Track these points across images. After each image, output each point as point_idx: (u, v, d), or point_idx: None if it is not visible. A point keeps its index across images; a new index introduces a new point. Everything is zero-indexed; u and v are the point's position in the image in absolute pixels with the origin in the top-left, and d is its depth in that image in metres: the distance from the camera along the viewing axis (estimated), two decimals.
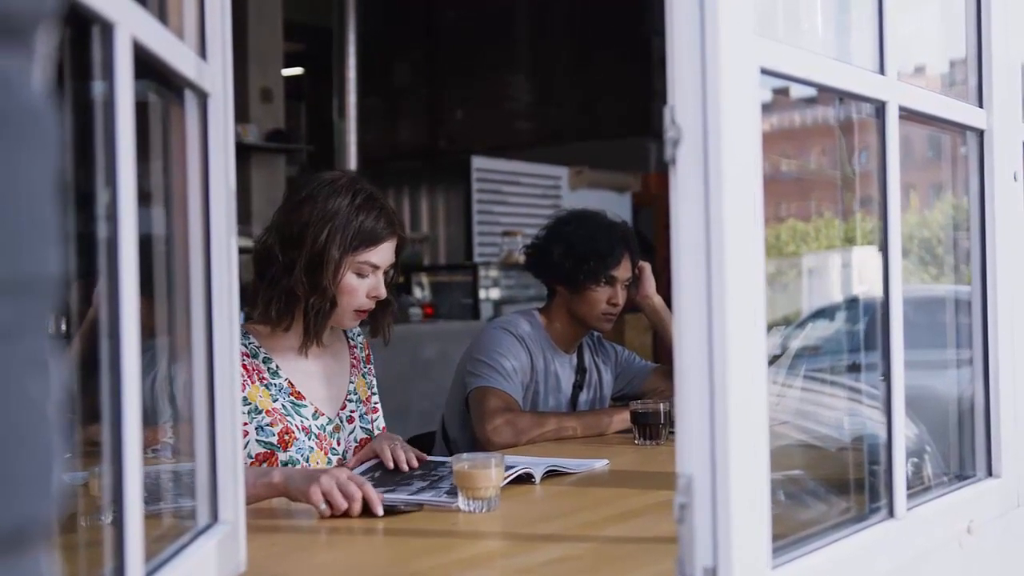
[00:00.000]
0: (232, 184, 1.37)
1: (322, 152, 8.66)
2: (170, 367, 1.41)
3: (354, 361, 2.38)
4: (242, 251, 1.67)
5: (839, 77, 1.43)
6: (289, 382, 2.22)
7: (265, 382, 2.19)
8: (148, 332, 1.02)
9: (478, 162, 8.00)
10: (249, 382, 2.16)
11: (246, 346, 2.19)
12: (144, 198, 1.04)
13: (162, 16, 1.19)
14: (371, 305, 2.23)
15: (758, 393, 1.17)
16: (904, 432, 1.50)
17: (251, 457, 2.13)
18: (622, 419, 2.76)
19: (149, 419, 1.05)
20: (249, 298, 2.22)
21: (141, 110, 1.05)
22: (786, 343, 2.02)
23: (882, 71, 1.48)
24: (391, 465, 2.11)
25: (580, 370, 3.03)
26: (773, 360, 1.80)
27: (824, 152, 2.00)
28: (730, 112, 1.12)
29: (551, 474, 2.16)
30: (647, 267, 3.03)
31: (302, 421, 2.20)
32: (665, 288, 3.02)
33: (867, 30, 1.51)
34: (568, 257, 2.88)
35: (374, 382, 2.43)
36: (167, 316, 1.34)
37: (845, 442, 1.91)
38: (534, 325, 2.95)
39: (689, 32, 1.13)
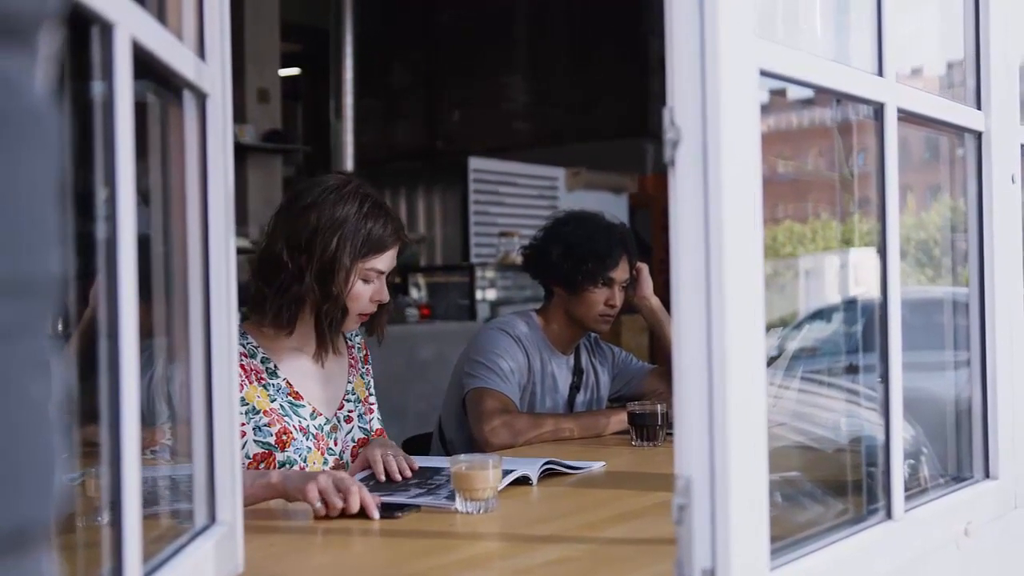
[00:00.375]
0: (231, 185, 1.37)
1: (319, 153, 8.66)
2: (167, 367, 1.41)
3: (352, 361, 2.39)
4: (239, 251, 1.67)
5: (838, 79, 1.43)
6: (287, 382, 2.22)
7: (263, 382, 2.19)
8: (145, 332, 1.02)
9: (475, 163, 8.00)
10: (247, 382, 2.16)
11: (244, 346, 2.20)
12: (143, 198, 1.04)
13: (161, 17, 1.19)
14: (374, 309, 2.24)
15: (757, 394, 1.17)
16: (901, 434, 1.50)
17: (249, 457, 2.13)
18: (619, 420, 2.76)
19: (145, 419, 1.05)
20: (250, 301, 2.22)
21: (140, 110, 1.05)
22: (783, 345, 2.02)
23: (881, 73, 1.48)
24: (383, 478, 2.07)
25: (577, 371, 3.03)
26: (770, 362, 1.80)
27: (821, 154, 2.00)
28: (730, 113, 1.12)
29: (549, 475, 2.16)
30: (644, 268, 3.03)
31: (300, 421, 2.20)
32: (662, 289, 3.03)
33: (866, 32, 1.51)
34: (566, 258, 2.88)
35: (372, 382, 2.44)
36: (164, 316, 1.34)
37: (843, 444, 1.91)
38: (531, 326, 2.95)
39: (689, 33, 1.13)
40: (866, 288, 1.74)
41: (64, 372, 0.59)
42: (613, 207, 7.06)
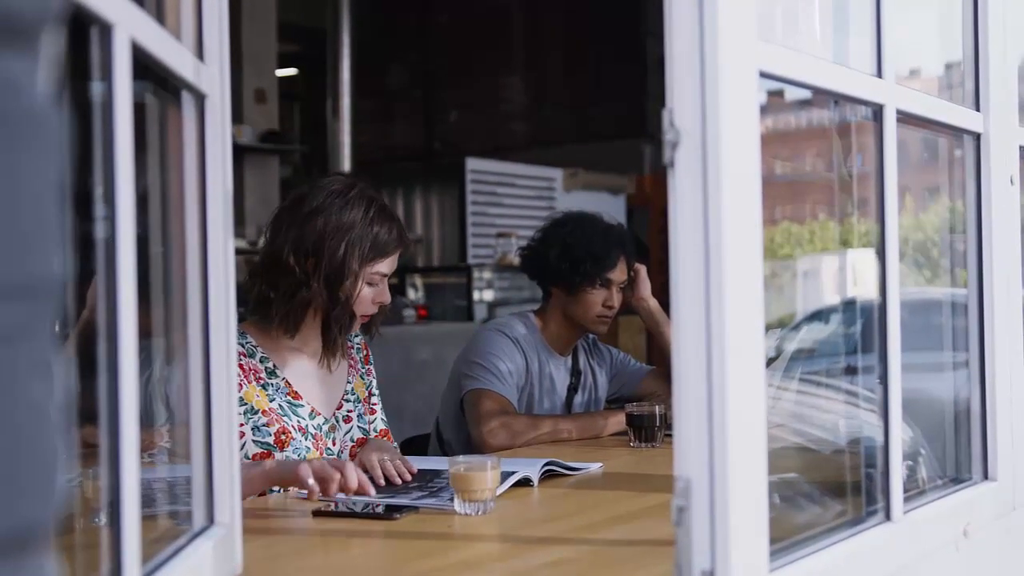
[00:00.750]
0: (229, 186, 1.37)
1: (316, 153, 8.66)
2: (165, 368, 1.40)
3: (351, 361, 2.39)
4: (236, 252, 1.66)
5: (837, 80, 1.43)
6: (287, 381, 2.23)
7: (262, 382, 2.19)
8: (143, 333, 1.01)
9: (472, 164, 7.99)
10: (246, 382, 2.16)
11: (243, 345, 2.20)
12: (141, 199, 1.04)
13: (159, 17, 1.19)
14: (375, 310, 2.25)
15: (757, 396, 1.17)
16: (900, 435, 1.50)
17: (248, 458, 2.13)
18: (617, 421, 2.76)
19: (143, 420, 1.04)
20: (252, 304, 2.23)
21: (138, 111, 1.05)
22: (781, 346, 2.02)
23: (880, 74, 1.48)
24: (381, 483, 2.05)
25: (575, 372, 3.03)
26: (768, 363, 1.80)
27: (818, 155, 2.00)
28: (729, 115, 1.12)
29: (547, 476, 2.16)
30: (643, 269, 3.03)
31: (299, 421, 2.21)
32: (660, 290, 3.03)
33: (865, 33, 1.51)
34: (564, 259, 2.88)
35: (374, 383, 2.45)
36: (163, 317, 1.33)
37: (841, 445, 1.91)
38: (529, 327, 2.95)
39: (688, 35, 1.12)
40: (864, 289, 1.74)
41: (65, 374, 0.59)
42: (610, 208, 7.05)
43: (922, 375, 1.81)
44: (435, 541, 1.71)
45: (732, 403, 1.11)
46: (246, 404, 2.15)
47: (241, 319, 2.27)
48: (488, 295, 7.27)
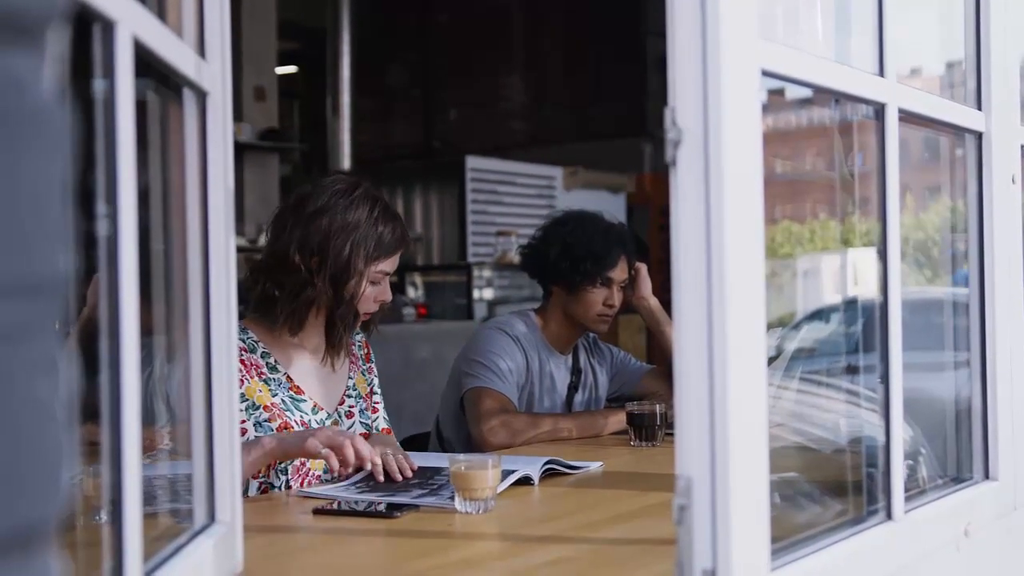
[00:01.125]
0: (230, 183, 1.37)
1: (316, 151, 8.66)
2: (166, 366, 1.40)
3: (352, 358, 2.40)
4: (236, 250, 1.67)
5: (839, 79, 1.43)
6: (288, 377, 2.24)
7: (264, 377, 2.20)
8: (144, 330, 1.01)
9: (472, 162, 7.99)
10: (248, 377, 2.17)
11: (244, 341, 2.21)
12: (142, 196, 1.04)
13: (161, 14, 1.19)
14: (376, 308, 2.27)
15: (758, 394, 1.17)
16: (901, 434, 1.50)
17: None
18: (618, 420, 2.76)
19: (144, 418, 1.04)
20: (255, 302, 2.24)
21: (140, 109, 1.04)
22: (782, 345, 2.02)
23: (882, 73, 1.48)
24: (381, 479, 2.06)
25: (575, 371, 3.03)
26: (769, 362, 1.80)
27: (819, 154, 2.00)
28: (731, 113, 1.12)
29: (548, 475, 2.15)
30: (643, 268, 3.03)
31: (302, 416, 2.22)
32: (659, 289, 3.03)
33: (866, 32, 1.51)
34: (564, 258, 2.88)
35: (376, 381, 2.46)
36: (164, 314, 1.33)
37: (842, 444, 1.91)
38: (529, 326, 2.95)
39: (691, 33, 1.12)
40: (865, 289, 1.74)
41: (70, 372, 0.59)
42: (610, 206, 7.05)
43: (923, 374, 1.81)
44: (435, 539, 1.71)
45: (733, 402, 1.11)
46: (248, 400, 2.16)
47: (240, 316, 2.27)
48: (488, 294, 7.27)
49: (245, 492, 2.07)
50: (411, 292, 7.34)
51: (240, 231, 6.62)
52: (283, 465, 2.15)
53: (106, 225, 0.95)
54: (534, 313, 3.01)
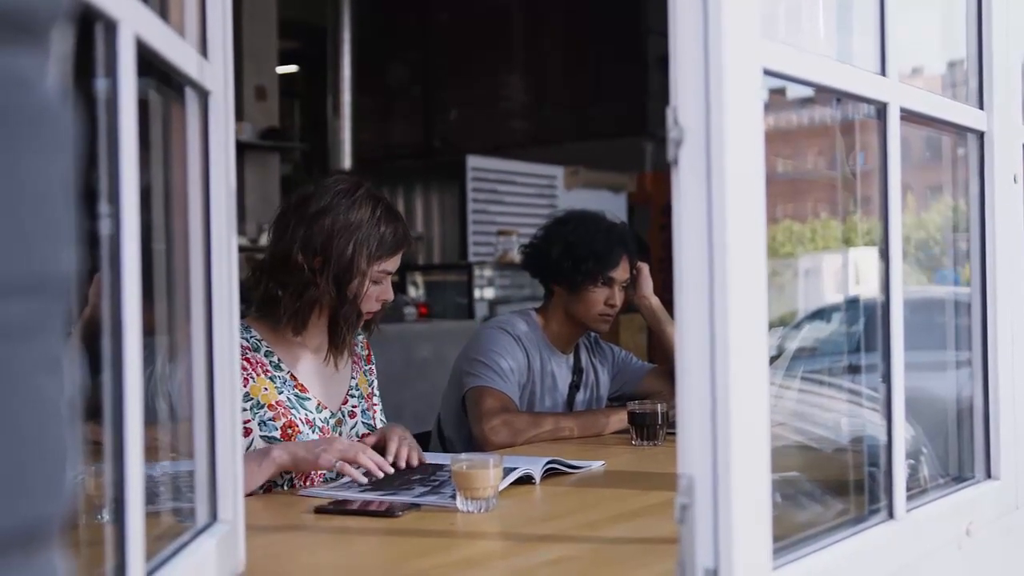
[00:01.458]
0: (232, 182, 1.37)
1: (317, 151, 8.66)
2: (167, 365, 1.40)
3: (355, 358, 2.41)
4: (238, 249, 1.67)
5: (841, 78, 1.43)
6: (292, 375, 2.24)
7: (269, 374, 2.21)
8: (146, 329, 1.01)
9: (473, 161, 7.99)
10: (254, 374, 2.18)
11: (248, 340, 2.21)
12: (144, 195, 1.04)
13: (163, 14, 1.19)
14: (379, 307, 2.28)
15: (760, 393, 1.17)
16: (903, 434, 1.50)
17: None
18: (619, 419, 2.76)
19: (146, 417, 1.05)
20: (258, 302, 2.25)
21: (142, 108, 1.04)
22: (783, 344, 2.02)
23: (883, 72, 1.48)
24: (390, 459, 2.13)
25: (577, 370, 3.03)
26: (770, 361, 1.80)
27: (821, 153, 2.00)
28: (733, 112, 1.12)
29: (549, 474, 2.16)
30: (645, 267, 3.03)
31: (307, 414, 2.22)
32: (659, 288, 3.03)
33: (868, 31, 1.50)
34: (566, 257, 2.88)
35: (375, 381, 2.47)
36: (166, 314, 1.33)
37: (843, 443, 1.91)
38: (531, 325, 2.95)
39: (693, 32, 1.12)
40: (866, 288, 1.74)
41: (76, 371, 0.59)
42: (611, 206, 7.05)
43: (924, 374, 1.81)
44: (437, 539, 1.72)
45: (735, 400, 1.11)
46: (252, 399, 2.16)
47: (242, 316, 2.28)
48: (489, 293, 7.27)
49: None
50: (412, 291, 7.34)
51: (241, 230, 6.62)
52: None
53: (108, 224, 0.95)
54: (535, 312, 3.01)
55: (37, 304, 0.53)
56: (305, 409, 2.23)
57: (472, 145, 8.69)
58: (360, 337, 2.45)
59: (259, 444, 2.15)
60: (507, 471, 2.00)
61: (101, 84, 0.95)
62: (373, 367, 2.47)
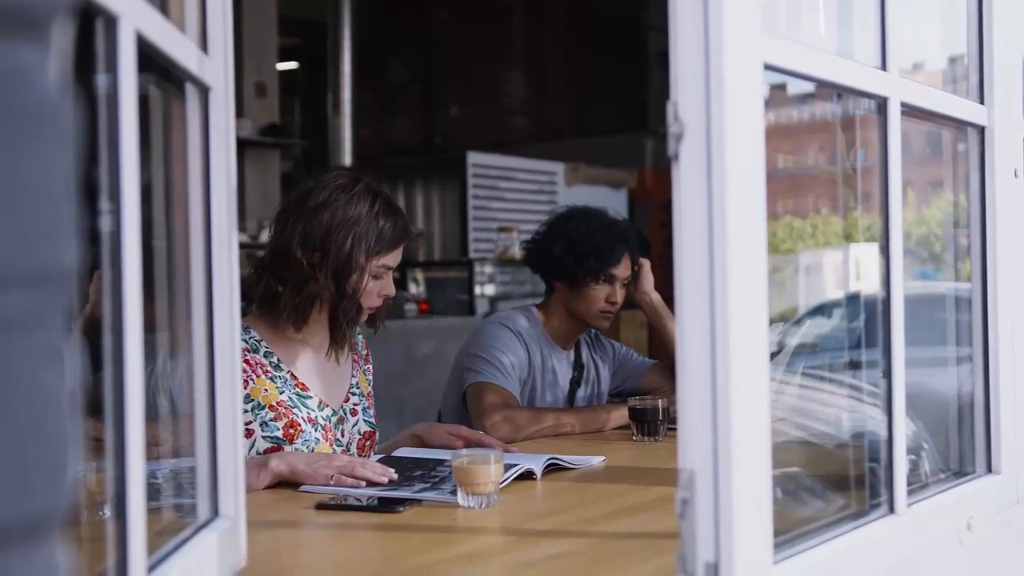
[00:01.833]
0: (233, 178, 1.37)
1: (317, 147, 8.66)
2: (168, 361, 1.40)
3: (355, 357, 2.41)
4: (239, 246, 1.67)
5: (841, 73, 1.43)
6: (292, 374, 2.24)
7: (270, 375, 2.21)
8: (147, 326, 1.01)
9: (474, 158, 7.99)
10: (254, 376, 2.18)
11: (247, 341, 2.21)
12: (145, 192, 1.04)
13: (163, 9, 1.19)
14: (380, 303, 2.28)
15: (760, 389, 1.17)
16: (904, 428, 1.50)
17: (259, 454, 2.14)
18: (620, 415, 2.76)
19: (147, 414, 1.05)
20: (259, 298, 2.25)
21: (142, 103, 1.04)
22: (784, 340, 2.02)
23: (884, 67, 1.48)
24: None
25: (578, 366, 3.03)
26: (771, 357, 1.80)
27: (821, 149, 2.00)
28: (734, 107, 1.12)
29: (550, 470, 2.16)
30: (646, 264, 3.03)
31: (309, 413, 2.22)
32: (659, 284, 3.03)
33: (869, 26, 1.50)
34: (568, 254, 2.87)
35: (371, 380, 2.47)
36: (166, 310, 1.33)
37: (844, 439, 1.91)
38: (532, 321, 2.95)
39: (693, 27, 1.12)
40: (867, 284, 1.74)
41: (78, 364, 0.59)
42: (612, 202, 7.06)
43: (925, 369, 1.81)
44: (438, 534, 1.72)
45: (735, 395, 1.11)
46: (252, 400, 2.16)
47: (243, 313, 2.27)
48: (489, 289, 7.27)
49: None
50: (412, 288, 7.34)
51: (241, 227, 6.61)
52: None
53: (109, 221, 0.95)
54: (536, 308, 3.00)
55: (38, 296, 0.53)
56: (307, 408, 2.23)
57: (472, 141, 8.69)
58: (360, 337, 2.45)
59: (262, 445, 2.15)
60: (508, 467, 2.00)
61: (101, 79, 0.95)
62: (371, 367, 2.47)
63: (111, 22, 0.94)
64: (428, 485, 1.98)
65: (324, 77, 8.19)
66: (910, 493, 1.51)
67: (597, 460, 2.30)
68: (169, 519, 1.38)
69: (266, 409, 2.17)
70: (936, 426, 1.85)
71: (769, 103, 1.26)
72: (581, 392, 3.03)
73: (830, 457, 1.84)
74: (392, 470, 2.01)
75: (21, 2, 0.52)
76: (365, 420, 2.36)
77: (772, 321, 1.40)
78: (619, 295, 2.91)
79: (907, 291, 1.52)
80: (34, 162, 0.53)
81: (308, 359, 2.29)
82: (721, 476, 1.11)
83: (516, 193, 8.12)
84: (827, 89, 1.55)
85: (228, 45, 1.36)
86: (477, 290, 7.18)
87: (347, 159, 8.12)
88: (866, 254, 1.69)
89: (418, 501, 1.87)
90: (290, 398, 2.21)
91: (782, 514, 1.25)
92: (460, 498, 1.83)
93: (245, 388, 2.14)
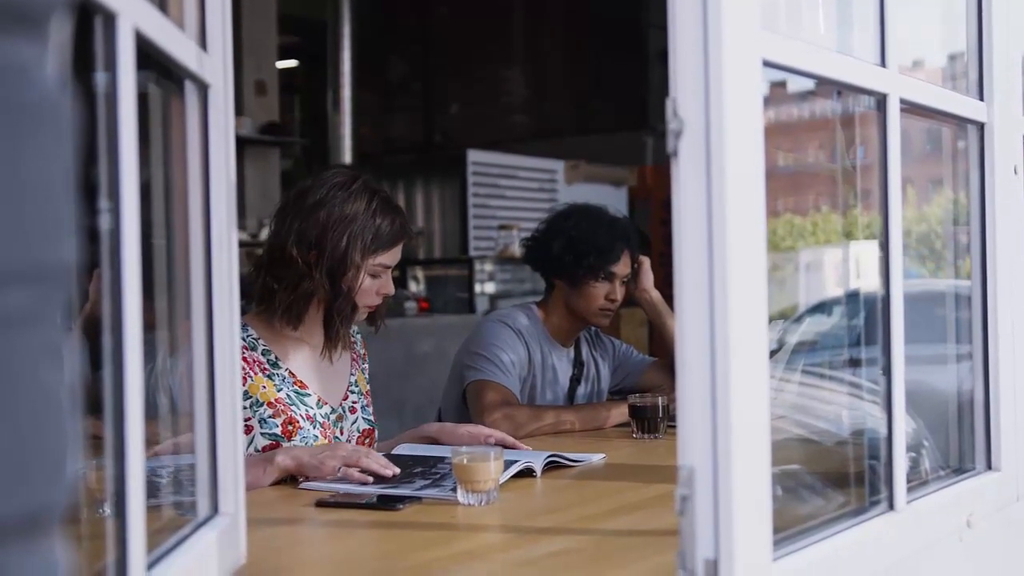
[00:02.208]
0: (232, 176, 1.36)
1: (317, 146, 8.66)
2: (168, 360, 1.40)
3: (354, 356, 2.41)
4: (239, 244, 1.67)
5: (841, 70, 1.43)
6: (290, 372, 2.24)
7: (267, 372, 2.21)
8: (147, 324, 1.01)
9: (474, 156, 7.99)
10: (252, 373, 2.17)
11: (245, 339, 2.21)
12: (144, 190, 1.04)
13: (162, 6, 1.18)
14: (379, 302, 2.27)
15: (760, 385, 1.17)
16: (904, 425, 1.50)
17: (258, 450, 2.14)
18: (620, 413, 2.76)
19: (147, 412, 1.05)
20: (257, 295, 2.25)
21: (141, 101, 1.04)
22: (784, 338, 2.02)
23: (883, 64, 1.48)
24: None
25: (578, 364, 3.03)
26: (771, 355, 1.80)
27: (821, 146, 2.00)
28: (733, 104, 1.12)
29: (550, 468, 2.16)
30: (646, 261, 3.03)
31: (307, 410, 2.22)
32: (659, 282, 3.03)
33: (868, 23, 1.50)
34: (567, 252, 2.87)
35: (368, 378, 2.47)
36: (166, 308, 1.33)
37: (844, 436, 1.91)
38: (532, 319, 2.95)
39: (692, 24, 1.12)
40: (867, 281, 1.74)
41: (78, 361, 0.59)
42: (612, 200, 7.05)
43: (925, 366, 1.81)
44: (438, 531, 1.72)
45: (735, 392, 1.11)
46: (251, 397, 2.16)
47: (242, 312, 2.28)
48: (489, 287, 7.27)
49: None
50: (412, 286, 7.34)
51: (241, 226, 6.61)
52: None
53: (108, 219, 0.95)
54: (536, 306, 3.01)
55: (37, 293, 0.53)
56: (305, 405, 2.23)
57: (472, 139, 8.69)
58: (358, 336, 2.45)
59: (260, 442, 2.15)
60: (508, 464, 2.00)
61: (100, 77, 0.95)
62: (367, 366, 2.48)
63: (110, 19, 0.94)
64: (428, 482, 1.98)
65: (324, 75, 8.19)
66: (910, 490, 1.51)
67: (597, 457, 2.30)
68: (169, 516, 1.38)
69: (264, 406, 2.17)
70: (936, 423, 1.85)
71: (769, 100, 1.26)
72: (581, 390, 3.03)
73: (830, 454, 1.84)
74: (395, 466, 2.02)
75: None
76: (364, 418, 2.36)
77: (772, 318, 1.40)
78: (619, 293, 2.91)
79: (907, 288, 1.52)
80: (33, 159, 0.53)
81: (306, 357, 2.29)
82: (721, 473, 1.11)
83: (516, 191, 8.12)
84: (827, 86, 1.55)
85: (227, 43, 1.35)
86: (477, 288, 7.18)
87: (347, 157, 8.12)
88: (866, 252, 1.69)
89: (418, 498, 1.87)
90: (288, 396, 2.21)
91: (782, 511, 1.25)
92: (460, 495, 1.83)
93: (243, 385, 2.14)
